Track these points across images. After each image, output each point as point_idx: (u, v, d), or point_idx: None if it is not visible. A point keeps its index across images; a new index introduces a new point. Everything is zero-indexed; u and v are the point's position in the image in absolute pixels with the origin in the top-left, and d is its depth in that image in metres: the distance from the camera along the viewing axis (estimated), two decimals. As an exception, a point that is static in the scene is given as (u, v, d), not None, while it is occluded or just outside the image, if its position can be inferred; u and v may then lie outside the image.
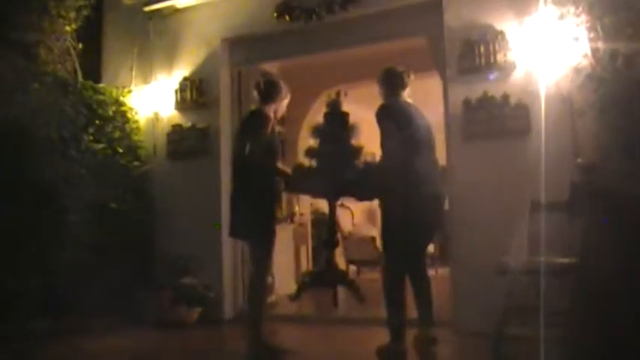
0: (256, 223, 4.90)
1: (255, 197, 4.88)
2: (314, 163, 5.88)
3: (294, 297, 6.43)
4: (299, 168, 5.78)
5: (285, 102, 5.27)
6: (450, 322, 5.59)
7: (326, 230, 6.40)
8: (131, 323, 6.18)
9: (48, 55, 6.07)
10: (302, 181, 5.61)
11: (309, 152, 6.03)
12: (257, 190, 4.88)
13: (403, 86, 4.94)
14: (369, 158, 5.99)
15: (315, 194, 6.78)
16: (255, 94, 5.22)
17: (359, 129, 5.97)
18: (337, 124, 5.95)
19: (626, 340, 2.98)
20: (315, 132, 6.13)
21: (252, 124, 4.98)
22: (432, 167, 4.82)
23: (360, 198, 6.44)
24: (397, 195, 4.63)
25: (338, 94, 6.12)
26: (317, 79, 9.30)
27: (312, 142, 6.14)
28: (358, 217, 11.08)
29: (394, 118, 4.70)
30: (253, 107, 5.34)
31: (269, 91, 5.16)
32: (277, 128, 5.79)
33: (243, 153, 4.81)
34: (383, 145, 4.73)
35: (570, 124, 4.92)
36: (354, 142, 5.88)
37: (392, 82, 4.97)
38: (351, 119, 6.01)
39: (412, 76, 4.99)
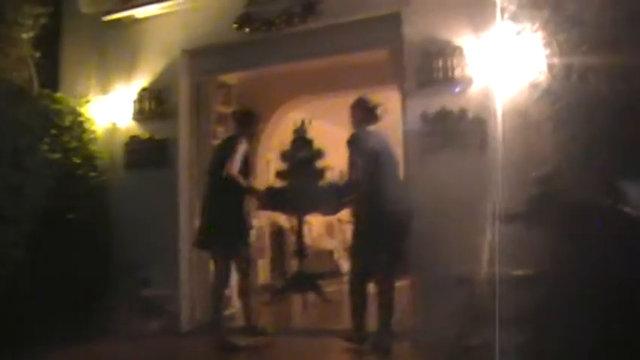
0: (237, 237, 5.64)
1: (233, 213, 5.58)
2: (284, 184, 6.80)
3: (271, 302, 7.41)
4: (271, 189, 6.61)
5: (259, 128, 5.89)
6: (409, 331, 5.62)
7: (295, 243, 7.30)
8: (86, 334, 6.07)
9: (3, 62, 5.96)
10: (274, 201, 6.49)
11: (280, 174, 7.10)
12: (235, 206, 5.60)
13: (374, 119, 5.51)
14: (333, 177, 6.81)
15: (286, 211, 7.70)
16: (232, 121, 5.97)
17: (323, 153, 6.92)
18: (303, 149, 7.00)
19: (586, 348, 3.04)
20: (283, 157, 7.18)
21: (229, 149, 5.60)
22: (394, 185, 5.34)
23: (325, 213, 7.46)
24: (364, 208, 5.29)
25: (303, 122, 7.13)
26: (276, 90, 9.32)
27: (281, 166, 7.14)
28: (317, 230, 11.10)
29: (362, 146, 5.27)
30: (230, 134, 6.03)
31: (245, 120, 5.90)
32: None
33: (221, 174, 5.45)
34: (351, 167, 5.31)
35: (526, 138, 5.00)
36: (318, 164, 6.79)
37: (363, 114, 5.51)
38: (311, 134, 6.35)
39: (384, 109, 5.56)
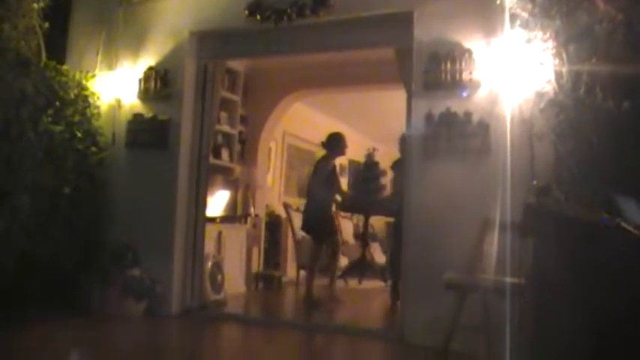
0: (321, 224, 7.83)
1: (321, 213, 7.83)
2: (356, 193, 9.67)
3: (340, 276, 9.51)
4: (346, 197, 8.95)
5: (346, 150, 8.08)
6: (397, 335, 5.63)
7: (361, 235, 10.34)
8: (74, 313, 6.05)
9: (12, 31, 5.92)
10: (349, 206, 9.54)
11: (353, 187, 10.50)
12: (322, 208, 7.85)
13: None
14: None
15: (355, 212, 11.16)
16: (322, 144, 8.03)
17: (385, 172, 9.55)
18: (371, 169, 9.88)
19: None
20: (356, 173, 10.70)
21: (317, 167, 7.89)
22: None
23: (386, 215, 10.22)
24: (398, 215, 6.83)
25: (373, 149, 10.16)
26: (283, 81, 9.32)
27: (354, 180, 10.90)
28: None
29: (400, 170, 6.86)
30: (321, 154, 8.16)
31: (331, 142, 7.94)
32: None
33: (313, 184, 7.91)
34: (394, 185, 7.85)
35: (529, 147, 4.99)
36: (381, 180, 9.70)
37: (404, 146, 6.67)
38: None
39: None
